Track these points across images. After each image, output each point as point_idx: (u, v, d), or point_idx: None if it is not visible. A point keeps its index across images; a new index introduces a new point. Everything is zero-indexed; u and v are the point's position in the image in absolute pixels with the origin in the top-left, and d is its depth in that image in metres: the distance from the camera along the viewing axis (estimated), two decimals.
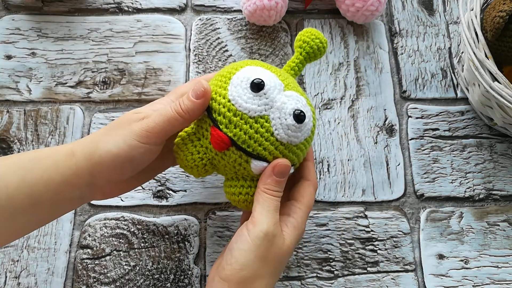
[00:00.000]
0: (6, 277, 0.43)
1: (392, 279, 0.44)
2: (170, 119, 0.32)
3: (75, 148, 0.32)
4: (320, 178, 0.48)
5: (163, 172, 0.46)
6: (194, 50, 0.53)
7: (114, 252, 0.44)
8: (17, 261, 0.44)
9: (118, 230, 0.45)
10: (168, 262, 0.44)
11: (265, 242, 0.31)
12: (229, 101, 0.33)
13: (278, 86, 0.34)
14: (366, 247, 0.45)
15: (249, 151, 0.33)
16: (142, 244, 0.45)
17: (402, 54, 0.54)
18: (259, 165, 0.34)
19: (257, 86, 0.33)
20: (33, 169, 0.30)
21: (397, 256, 0.45)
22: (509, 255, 0.45)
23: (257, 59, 0.53)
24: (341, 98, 0.52)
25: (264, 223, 0.31)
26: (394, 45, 0.55)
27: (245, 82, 0.33)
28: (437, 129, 0.51)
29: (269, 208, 0.32)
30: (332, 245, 0.45)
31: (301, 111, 0.33)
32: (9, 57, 0.52)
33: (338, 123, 0.50)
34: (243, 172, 0.35)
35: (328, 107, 0.51)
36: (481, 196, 0.48)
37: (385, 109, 0.51)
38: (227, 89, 0.34)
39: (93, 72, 0.52)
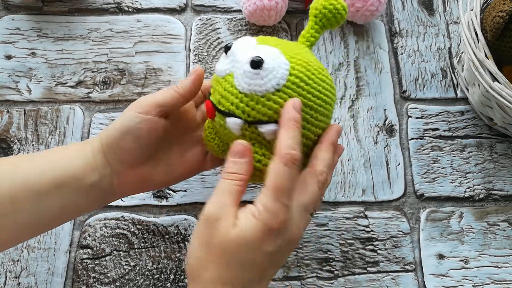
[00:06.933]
0: (6, 277, 0.43)
1: (392, 279, 0.44)
2: (167, 93, 0.36)
3: (94, 137, 0.36)
4: None
5: None
6: (194, 50, 0.53)
7: (114, 252, 0.44)
8: (17, 261, 0.44)
9: (118, 230, 0.45)
10: (168, 262, 0.44)
11: (206, 226, 0.29)
12: (216, 72, 0.35)
13: (250, 44, 0.33)
14: (366, 247, 0.45)
15: (223, 110, 0.33)
16: (142, 244, 0.45)
17: (402, 54, 0.54)
18: (231, 122, 0.32)
19: (227, 49, 0.33)
20: (56, 156, 0.35)
21: (397, 256, 0.45)
22: (509, 255, 0.45)
23: None
24: (341, 98, 0.52)
25: (206, 206, 0.29)
26: (394, 45, 0.55)
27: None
28: (437, 129, 0.51)
29: (218, 190, 0.30)
30: (332, 245, 0.45)
31: (258, 57, 0.30)
32: (9, 57, 0.52)
33: (338, 123, 0.50)
34: (232, 136, 0.33)
35: None
36: (481, 196, 0.48)
37: (385, 109, 0.51)
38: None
39: (93, 72, 0.52)
